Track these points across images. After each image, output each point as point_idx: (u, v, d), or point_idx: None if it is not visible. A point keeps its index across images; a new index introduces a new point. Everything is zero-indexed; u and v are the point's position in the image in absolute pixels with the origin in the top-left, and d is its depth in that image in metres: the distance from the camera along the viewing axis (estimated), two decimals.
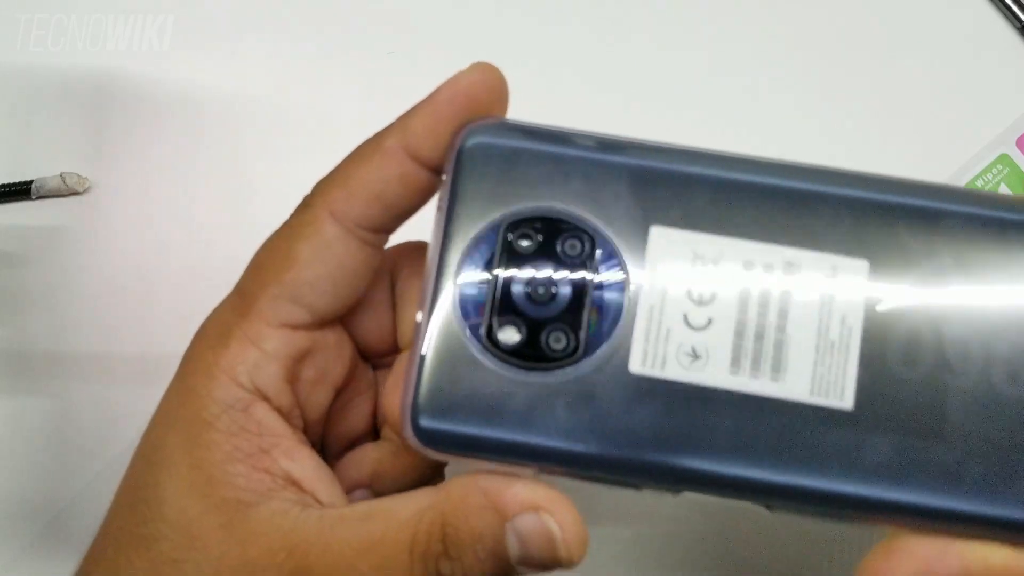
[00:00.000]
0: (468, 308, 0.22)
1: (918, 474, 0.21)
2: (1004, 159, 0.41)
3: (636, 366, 0.22)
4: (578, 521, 0.22)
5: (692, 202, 0.23)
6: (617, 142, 0.23)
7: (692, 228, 0.22)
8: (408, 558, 0.22)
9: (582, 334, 0.22)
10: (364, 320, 0.27)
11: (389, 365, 0.27)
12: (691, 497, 0.22)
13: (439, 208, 0.23)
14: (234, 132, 0.43)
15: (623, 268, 0.22)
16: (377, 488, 0.27)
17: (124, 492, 0.24)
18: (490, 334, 0.22)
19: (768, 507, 0.22)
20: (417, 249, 0.27)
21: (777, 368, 0.22)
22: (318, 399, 0.26)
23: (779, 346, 0.22)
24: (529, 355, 0.22)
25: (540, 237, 0.23)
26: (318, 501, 0.24)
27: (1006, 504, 0.21)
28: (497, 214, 0.23)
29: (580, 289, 0.22)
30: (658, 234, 0.23)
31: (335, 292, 0.25)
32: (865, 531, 0.22)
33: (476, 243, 0.23)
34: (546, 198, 0.23)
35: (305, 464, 0.24)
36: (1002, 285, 0.22)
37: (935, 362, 0.22)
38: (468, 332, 0.22)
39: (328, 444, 0.28)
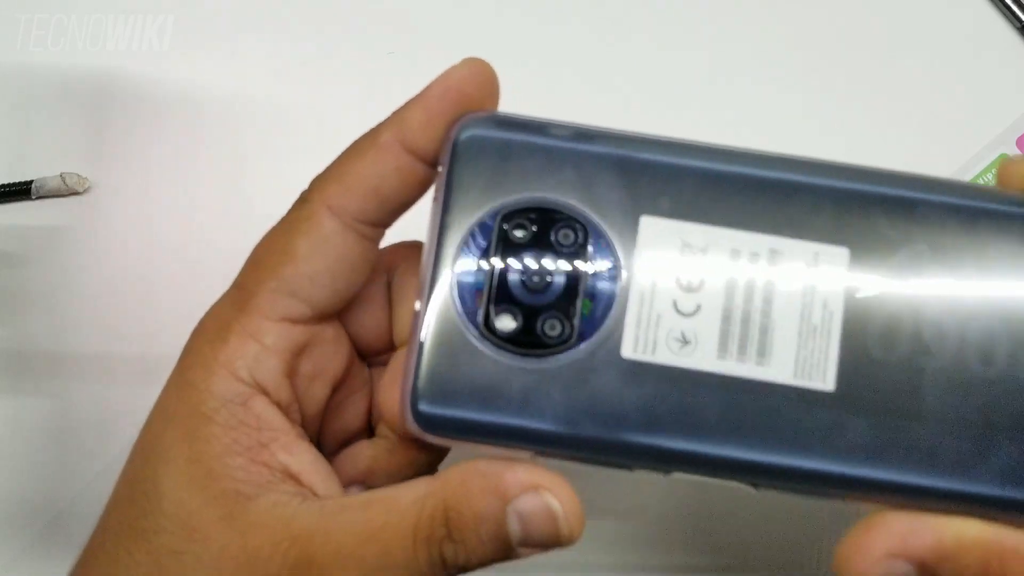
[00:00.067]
0: (465, 296, 0.23)
1: (896, 452, 0.22)
2: (1004, 159, 0.40)
3: (628, 351, 0.23)
4: (576, 500, 0.22)
5: (680, 192, 0.23)
6: (608, 134, 0.24)
7: (681, 217, 0.23)
8: (412, 544, 0.22)
9: (576, 321, 0.23)
10: (360, 318, 0.27)
11: (385, 363, 0.27)
12: (680, 477, 0.23)
13: (435, 199, 0.24)
14: (234, 132, 0.43)
15: (615, 257, 0.23)
16: (372, 485, 0.27)
17: (123, 485, 0.25)
18: (487, 321, 0.23)
19: (754, 486, 0.23)
20: (413, 248, 0.28)
21: (762, 352, 0.22)
22: (316, 394, 0.26)
23: (764, 331, 0.23)
24: (525, 341, 0.23)
25: (534, 227, 0.23)
26: (316, 495, 0.24)
27: (979, 480, 0.22)
28: (492, 204, 0.23)
29: (574, 277, 0.23)
30: (648, 223, 0.23)
31: (333, 286, 0.25)
32: (851, 508, 0.23)
33: (472, 233, 0.23)
34: (540, 189, 0.23)
35: (303, 458, 0.24)
36: (975, 270, 0.23)
37: (912, 345, 0.22)
38: (466, 319, 0.23)
39: (324, 441, 0.28)
